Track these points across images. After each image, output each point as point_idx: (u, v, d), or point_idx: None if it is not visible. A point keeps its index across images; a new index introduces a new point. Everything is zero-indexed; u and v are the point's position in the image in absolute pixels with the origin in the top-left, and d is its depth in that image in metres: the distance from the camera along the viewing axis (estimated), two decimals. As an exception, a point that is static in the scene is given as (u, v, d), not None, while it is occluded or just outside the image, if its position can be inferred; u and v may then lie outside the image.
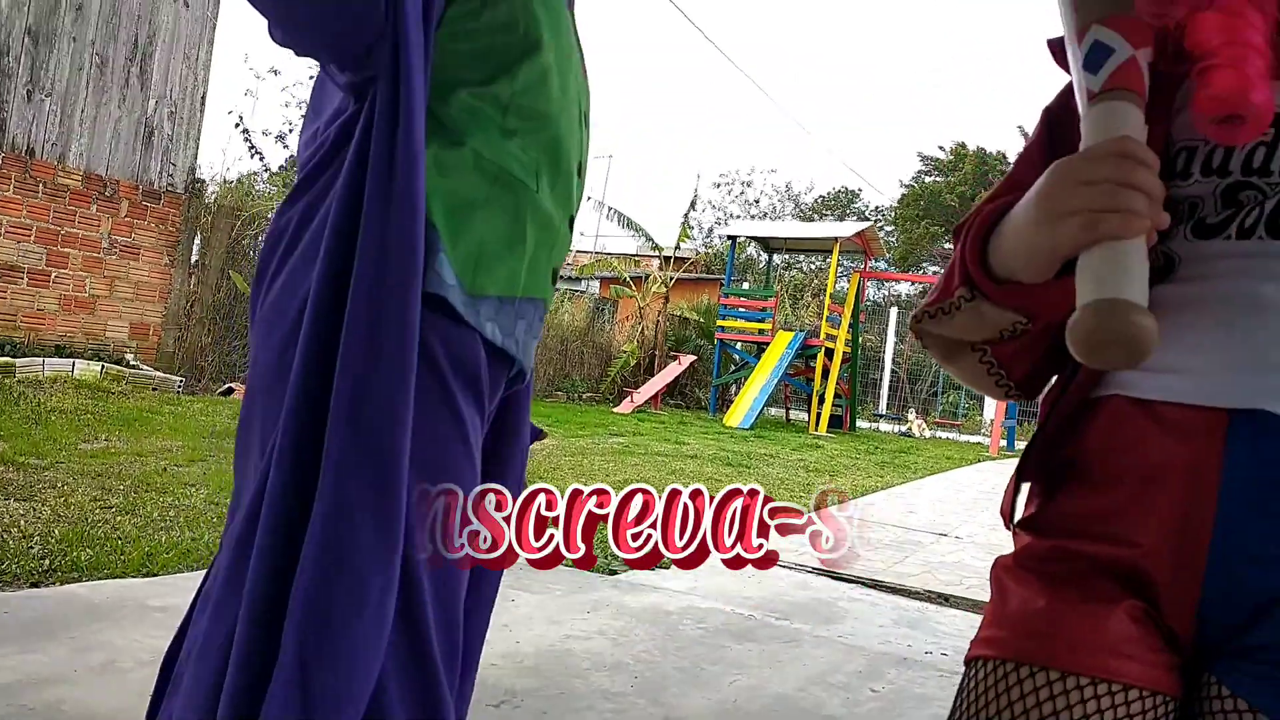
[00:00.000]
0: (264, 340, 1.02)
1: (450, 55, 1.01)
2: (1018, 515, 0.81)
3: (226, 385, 9.62)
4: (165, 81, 10.01)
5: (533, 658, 2.69)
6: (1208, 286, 0.71)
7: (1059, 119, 0.82)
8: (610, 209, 17.33)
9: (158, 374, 9.22)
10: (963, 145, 33.59)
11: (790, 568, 4.31)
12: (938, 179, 33.77)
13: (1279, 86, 0.70)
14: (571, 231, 1.19)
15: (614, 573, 3.95)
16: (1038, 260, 0.68)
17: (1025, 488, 0.82)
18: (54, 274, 9.21)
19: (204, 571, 3.50)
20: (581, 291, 18.80)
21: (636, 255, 18.76)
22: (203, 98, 10.43)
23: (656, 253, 17.53)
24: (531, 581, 3.51)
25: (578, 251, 24.39)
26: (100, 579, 3.06)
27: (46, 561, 3.16)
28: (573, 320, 16.06)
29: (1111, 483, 0.73)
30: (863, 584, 4.15)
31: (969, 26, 66.32)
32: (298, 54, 1.02)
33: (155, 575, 3.20)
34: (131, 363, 9.53)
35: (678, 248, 17.40)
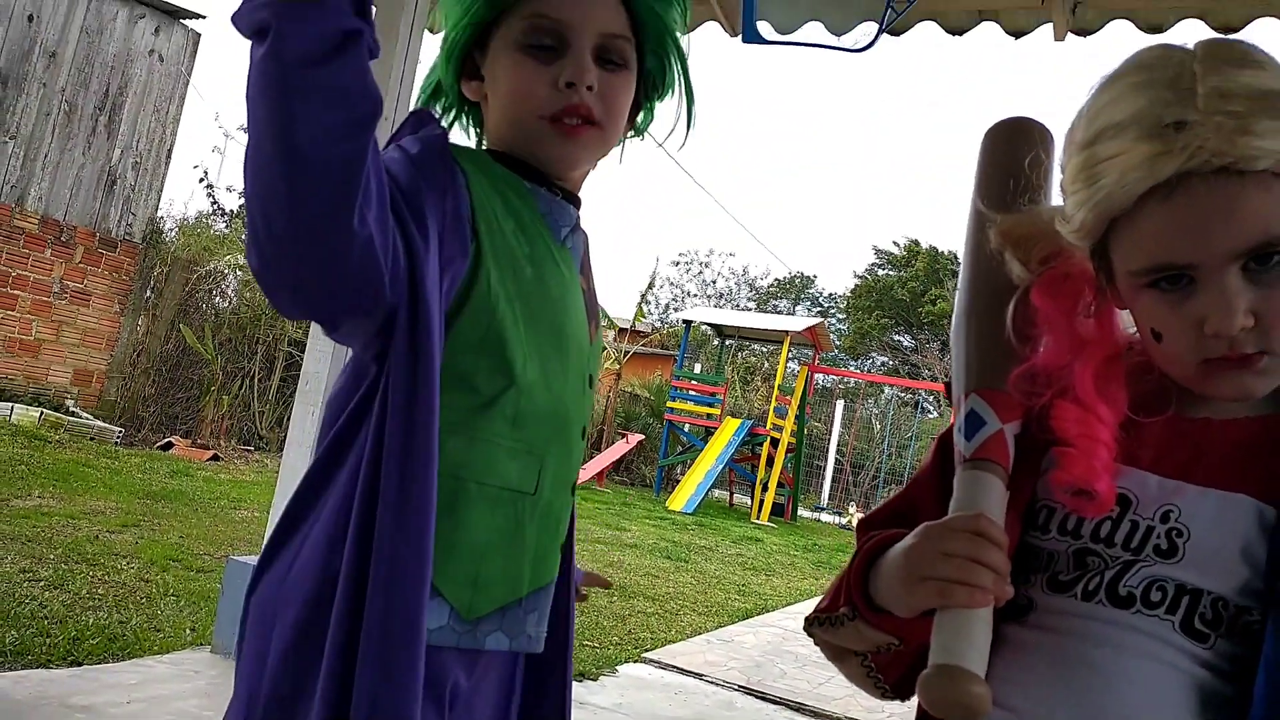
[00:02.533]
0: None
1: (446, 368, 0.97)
2: None
3: (166, 439, 9.50)
4: (133, 132, 10.05)
5: None
6: (1053, 640, 0.81)
7: (949, 445, 0.93)
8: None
9: (97, 423, 9.09)
10: (916, 242, 34.55)
11: (716, 684, 4.36)
12: (890, 273, 34.64)
13: (1122, 470, 0.82)
14: (574, 495, 1.14)
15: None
16: (902, 606, 0.80)
17: None
18: (0, 315, 9.09)
19: (126, 663, 3.46)
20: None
21: (592, 327, 18.98)
22: (169, 150, 10.48)
23: (612, 327, 17.72)
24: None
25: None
26: (23, 667, 3.03)
27: (-34, 646, 3.13)
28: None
29: None
30: (786, 706, 4.22)
31: (931, 123, 68.66)
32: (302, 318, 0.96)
33: (80, 664, 3.18)
34: (71, 409, 9.39)
35: (634, 325, 17.64)
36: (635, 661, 4.58)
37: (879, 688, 0.91)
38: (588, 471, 13.89)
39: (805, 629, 0.92)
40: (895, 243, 35.48)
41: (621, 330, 17.44)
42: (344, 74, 0.80)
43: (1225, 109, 0.71)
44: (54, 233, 9.39)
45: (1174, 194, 0.73)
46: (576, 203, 1.15)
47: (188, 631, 3.74)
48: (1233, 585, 0.76)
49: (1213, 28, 3.11)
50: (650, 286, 18.89)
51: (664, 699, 4.03)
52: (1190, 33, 3.12)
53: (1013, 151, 0.92)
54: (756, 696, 4.25)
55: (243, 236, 12.33)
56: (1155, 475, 0.81)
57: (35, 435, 8.14)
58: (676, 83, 1.18)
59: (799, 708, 4.24)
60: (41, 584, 3.99)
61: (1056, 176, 0.86)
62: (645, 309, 19.25)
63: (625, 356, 16.86)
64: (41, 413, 8.60)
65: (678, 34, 1.14)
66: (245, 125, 0.83)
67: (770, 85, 78.72)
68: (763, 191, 70.11)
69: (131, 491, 6.73)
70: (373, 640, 0.88)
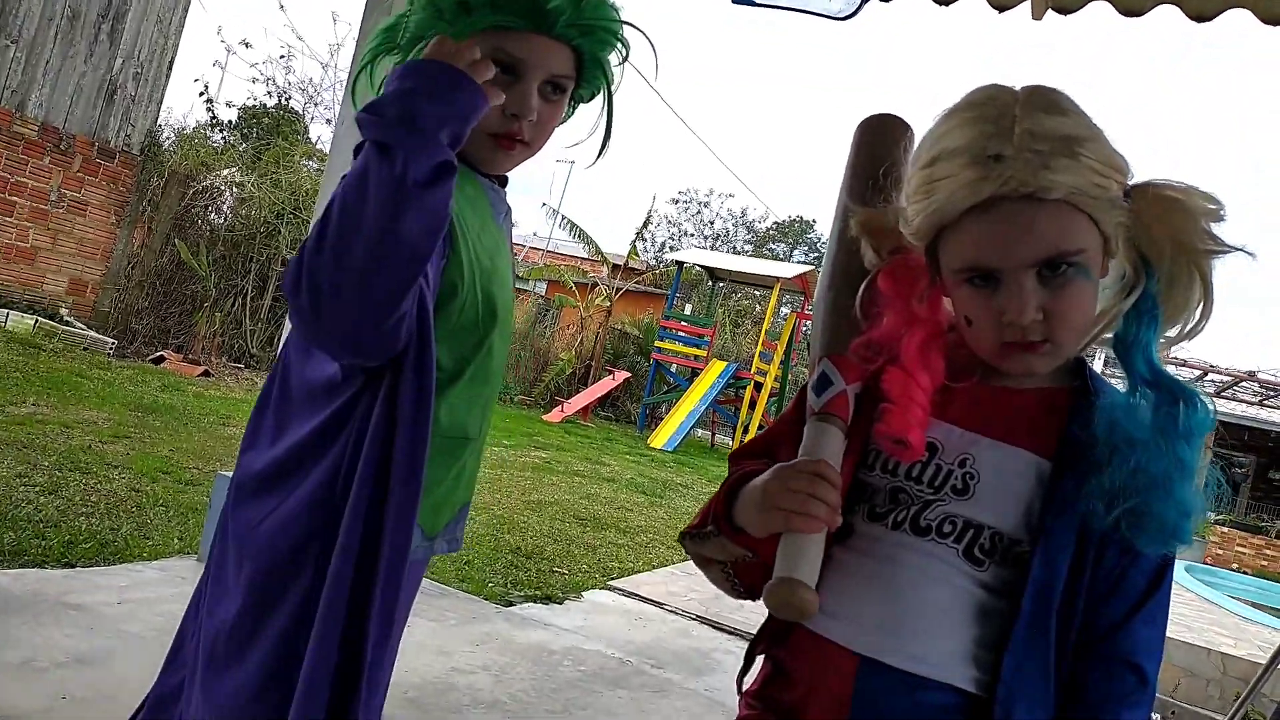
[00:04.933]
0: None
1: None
2: (747, 684, 1.11)
3: (158, 353, 9.66)
4: (135, 42, 10.02)
5: (416, 689, 2.95)
6: (868, 561, 1.00)
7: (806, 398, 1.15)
8: (563, 217, 17.59)
9: (91, 333, 9.23)
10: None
11: (675, 613, 4.61)
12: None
13: (934, 423, 1.02)
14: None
15: (509, 604, 4.21)
16: (756, 528, 1.00)
17: (759, 660, 1.11)
18: (-3, 221, 9.17)
19: (118, 567, 3.66)
20: (528, 290, 19.00)
21: (588, 259, 19.04)
22: (170, 62, 10.45)
23: (605, 263, 17.81)
24: (429, 608, 3.75)
25: (529, 248, 24.52)
26: (20, 566, 3.23)
27: (-33, 543, 3.32)
28: (513, 324, 16.22)
29: (795, 685, 1.03)
30: (738, 635, 4.47)
31: (930, 66, 67.87)
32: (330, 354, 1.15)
33: (74, 566, 3.38)
34: (66, 319, 9.52)
35: (628, 262, 17.72)
36: (601, 589, 4.83)
37: (736, 590, 1.11)
38: (573, 406, 14.12)
39: (678, 541, 1.13)
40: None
41: (615, 266, 17.53)
42: (442, 195, 1.03)
43: (1033, 148, 0.91)
44: (53, 140, 9.43)
45: (988, 212, 0.94)
46: (505, 182, 1.37)
47: (176, 540, 3.95)
48: (1010, 522, 0.97)
49: (1187, 15, 3.21)
50: (646, 224, 18.97)
51: (624, 623, 4.27)
52: (1166, 19, 3.23)
53: (876, 149, 1.13)
54: (711, 626, 4.50)
55: (241, 149, 12.34)
56: (959, 428, 1.02)
57: (30, 343, 8.29)
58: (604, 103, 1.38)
59: (748, 637, 4.47)
60: (36, 489, 4.18)
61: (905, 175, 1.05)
62: (640, 247, 19.30)
63: (617, 293, 16.99)
64: (36, 320, 8.73)
65: (610, 74, 1.34)
66: (336, 209, 1.01)
67: (781, 31, 77.43)
68: (764, 134, 69.42)
69: (124, 403, 6.91)
70: (384, 557, 1.11)
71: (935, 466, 1.01)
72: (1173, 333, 1.01)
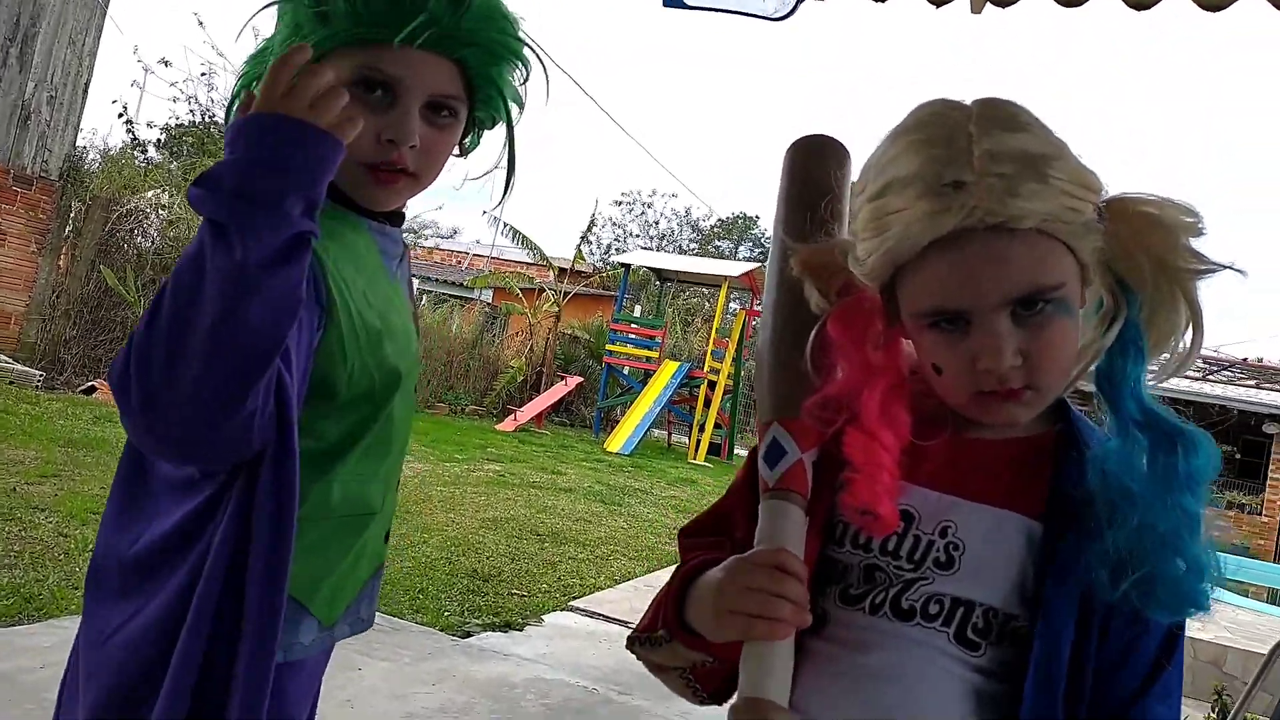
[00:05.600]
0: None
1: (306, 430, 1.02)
2: None
3: (89, 384, 9.29)
4: (47, 65, 9.63)
5: (371, 741, 2.77)
6: (845, 652, 0.87)
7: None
8: (505, 225, 17.38)
9: (17, 366, 8.85)
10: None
11: (641, 631, 4.47)
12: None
13: (906, 487, 0.89)
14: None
15: (467, 634, 4.03)
16: (712, 634, 0.86)
17: None
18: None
19: (41, 624, 3.43)
20: (474, 299, 18.73)
21: (534, 264, 18.82)
22: (86, 84, 10.07)
23: (550, 268, 17.63)
24: (381, 647, 3.57)
25: (474, 255, 24.23)
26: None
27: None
28: (460, 332, 16.00)
29: None
30: (707, 652, 4.34)
31: (872, 48, 68.61)
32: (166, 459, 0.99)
33: (-8, 627, 3.14)
34: (-12, 354, 9.12)
35: (574, 266, 17.55)
36: (562, 610, 4.67)
37: (698, 696, 0.97)
38: (526, 414, 13.92)
39: (627, 647, 0.98)
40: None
41: (561, 271, 17.34)
42: (293, 275, 0.87)
43: (996, 171, 0.79)
44: (-37, 170, 9.02)
45: (951, 247, 0.81)
46: (401, 219, 1.20)
47: (106, 590, 3.72)
48: (1002, 595, 0.85)
49: (1127, 4, 3.12)
50: (591, 227, 18.81)
51: (588, 647, 4.12)
52: (1106, 9, 3.14)
53: (814, 175, 0.98)
54: (678, 645, 4.37)
55: (170, 169, 11.96)
56: (934, 491, 0.89)
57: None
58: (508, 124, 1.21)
59: (719, 655, 4.35)
60: (-47, 542, 3.91)
61: (850, 207, 0.91)
62: (586, 250, 19.13)
63: (565, 298, 16.80)
64: (-44, 357, 8.33)
65: (507, 93, 1.17)
66: (169, 292, 0.86)
67: (719, 30, 77.73)
68: (703, 130, 69.60)
69: (52, 439, 6.59)
70: (235, 692, 0.93)
71: (913, 538, 0.88)
72: (1162, 363, 0.89)
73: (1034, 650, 0.82)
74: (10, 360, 9.12)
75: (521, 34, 1.14)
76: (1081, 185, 0.82)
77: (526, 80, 1.18)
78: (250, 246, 0.84)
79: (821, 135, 1.05)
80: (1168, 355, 0.89)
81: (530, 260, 18.66)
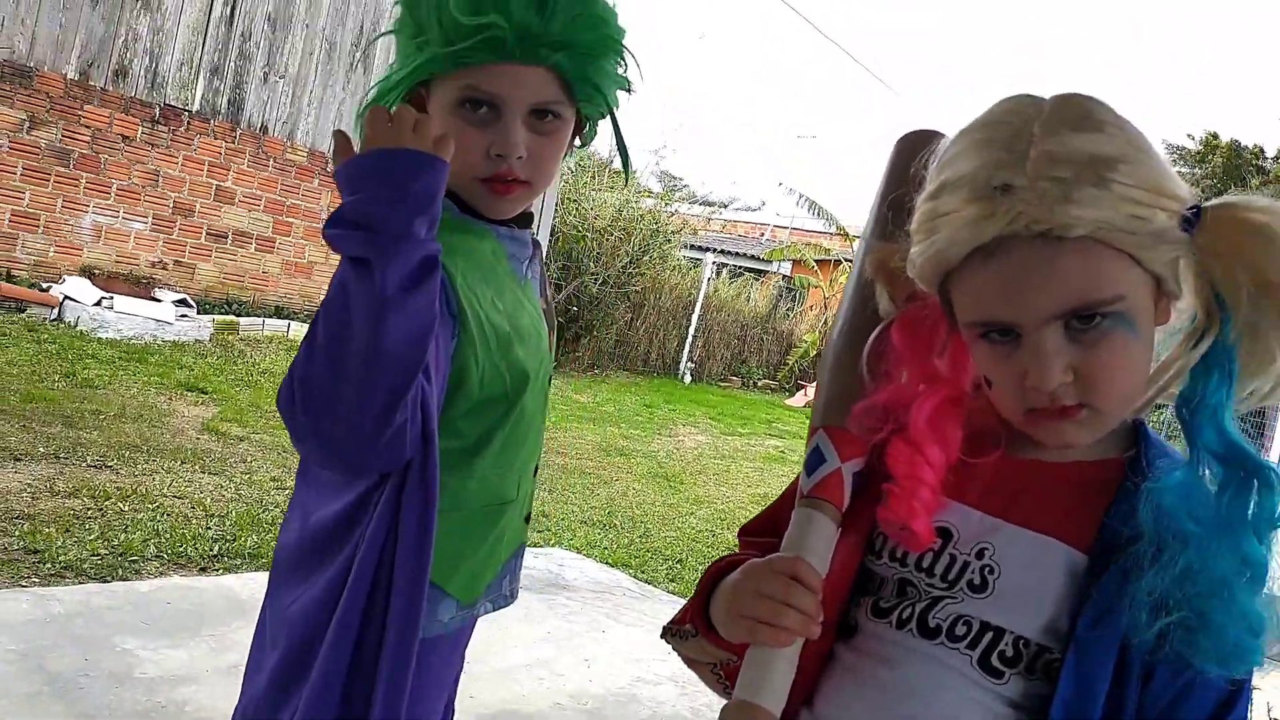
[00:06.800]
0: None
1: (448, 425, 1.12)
2: None
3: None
4: (387, 65, 10.80)
5: (597, 700, 2.95)
6: (869, 663, 0.85)
7: None
8: (802, 196, 17.26)
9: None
10: (1214, 135, 30.81)
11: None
12: (1183, 170, 31.20)
13: (949, 504, 0.84)
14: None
15: (713, 606, 4.15)
16: (726, 634, 0.86)
17: None
18: (278, 241, 10.23)
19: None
20: (771, 271, 18.80)
21: (833, 234, 18.53)
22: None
23: (849, 239, 17.30)
24: (628, 612, 3.77)
25: (774, 227, 24.25)
26: (255, 569, 3.55)
27: (217, 546, 3.69)
28: (754, 306, 16.15)
29: None
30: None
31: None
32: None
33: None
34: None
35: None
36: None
37: (728, 692, 0.97)
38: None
39: (661, 637, 1.00)
40: (1190, 135, 31.87)
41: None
42: (429, 293, 0.97)
43: (1051, 174, 0.73)
44: (321, 164, 10.37)
45: (995, 256, 0.77)
46: (529, 221, 1.26)
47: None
48: (1036, 625, 0.80)
49: None
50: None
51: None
52: None
53: (904, 172, 0.92)
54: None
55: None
56: (978, 511, 0.85)
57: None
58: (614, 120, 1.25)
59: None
60: (287, 491, 4.58)
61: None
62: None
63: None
64: (312, 328, 9.68)
65: (606, 87, 1.18)
66: (321, 325, 0.97)
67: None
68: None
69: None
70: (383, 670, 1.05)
71: (949, 557, 0.85)
72: (1251, 391, 0.78)
73: (1061, 688, 0.77)
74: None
75: (614, 27, 1.16)
76: (1155, 190, 0.75)
77: (627, 69, 1.21)
78: (390, 275, 0.94)
79: (926, 130, 1.00)
80: (1261, 384, 0.78)
81: (828, 230, 18.41)
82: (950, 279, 0.81)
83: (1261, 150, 28.51)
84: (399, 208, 0.95)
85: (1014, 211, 0.74)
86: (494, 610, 1.28)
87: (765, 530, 1.00)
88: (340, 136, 1.03)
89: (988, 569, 0.82)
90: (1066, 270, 0.74)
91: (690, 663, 1.00)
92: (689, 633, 0.93)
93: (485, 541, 1.21)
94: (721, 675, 0.96)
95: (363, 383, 0.94)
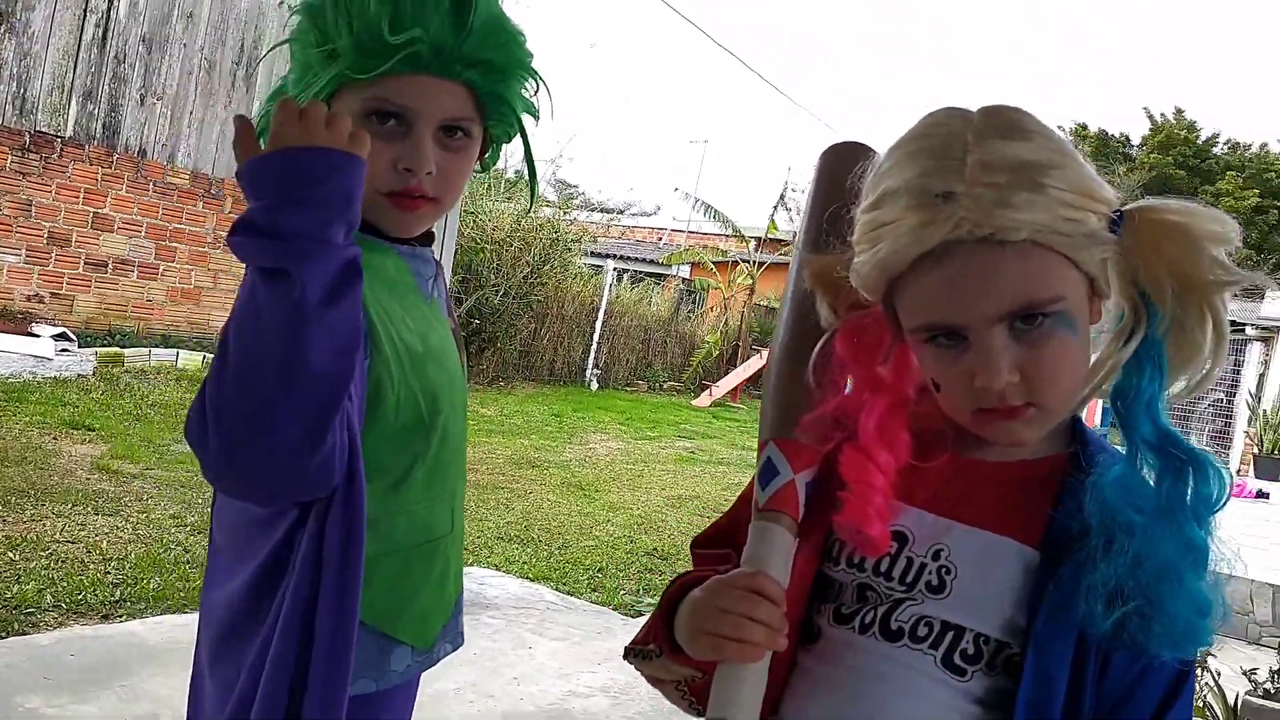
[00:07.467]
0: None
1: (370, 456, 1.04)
2: None
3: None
4: (269, 84, 10.51)
5: (531, 718, 2.92)
6: (833, 670, 0.86)
7: None
8: (697, 200, 17.46)
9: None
10: (1083, 126, 32.24)
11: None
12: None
13: (902, 508, 0.86)
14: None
15: (638, 614, 4.15)
16: (691, 652, 0.86)
17: None
18: (162, 267, 9.84)
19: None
20: (670, 275, 18.95)
21: (728, 235, 18.77)
22: (302, 98, 10.91)
23: (745, 240, 17.55)
24: (554, 626, 3.74)
25: (670, 231, 24.45)
26: (161, 613, 3.40)
27: (119, 591, 3.52)
28: (656, 311, 16.26)
29: None
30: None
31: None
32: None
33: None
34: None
35: (767, 235, 17.40)
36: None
37: (693, 709, 0.97)
38: (721, 389, 14.00)
39: (624, 658, 0.98)
40: (1060, 127, 33.14)
41: (756, 241, 17.24)
42: (353, 302, 0.91)
43: (988, 180, 0.76)
44: (204, 186, 10.02)
45: (941, 261, 0.78)
46: (431, 240, 1.22)
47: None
48: (995, 622, 0.82)
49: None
50: (782, 197, 18.52)
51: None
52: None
53: (835, 185, 0.94)
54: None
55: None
56: (931, 514, 0.87)
57: (198, 379, 8.82)
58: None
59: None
60: (188, 529, 4.41)
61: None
62: (784, 217, 18.88)
63: (760, 269, 16.72)
64: (204, 356, 9.31)
65: (518, 108, 1.17)
66: (231, 343, 0.88)
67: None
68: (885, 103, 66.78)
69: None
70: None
71: (906, 560, 0.86)
72: (1182, 383, 0.82)
73: (1023, 683, 0.79)
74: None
75: (526, 49, 1.14)
76: (1085, 194, 0.77)
77: (537, 92, 1.19)
78: (308, 284, 0.86)
79: (852, 142, 1.02)
80: (1190, 375, 0.82)
81: (724, 233, 18.65)
82: (895, 286, 0.83)
83: (1128, 138, 29.91)
84: (314, 212, 0.87)
85: (956, 217, 0.76)
86: (453, 651, 1.23)
87: (717, 541, 1.00)
88: (241, 122, 0.94)
89: (944, 569, 0.84)
90: (1009, 273, 0.77)
91: (655, 681, 0.99)
92: (653, 652, 0.92)
93: (428, 581, 1.16)
94: (686, 692, 0.96)
95: (285, 403, 0.87)
